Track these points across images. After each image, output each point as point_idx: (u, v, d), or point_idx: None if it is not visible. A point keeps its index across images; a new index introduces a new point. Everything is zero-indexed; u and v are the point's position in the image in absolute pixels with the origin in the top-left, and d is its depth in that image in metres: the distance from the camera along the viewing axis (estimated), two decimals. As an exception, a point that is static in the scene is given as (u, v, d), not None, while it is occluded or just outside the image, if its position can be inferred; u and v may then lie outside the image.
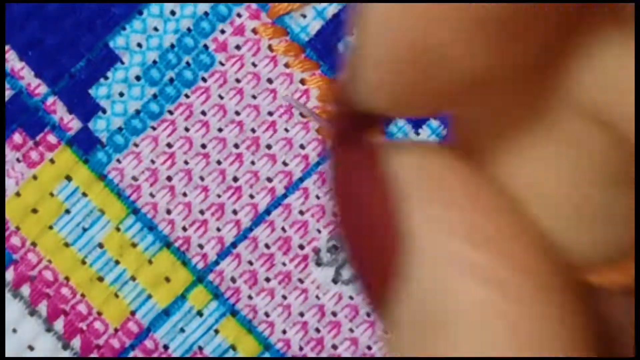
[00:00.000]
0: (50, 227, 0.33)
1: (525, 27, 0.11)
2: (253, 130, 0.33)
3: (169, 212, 0.33)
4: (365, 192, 0.12)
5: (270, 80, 0.33)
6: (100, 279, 0.32)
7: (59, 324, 0.32)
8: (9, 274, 0.32)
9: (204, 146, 0.33)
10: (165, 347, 0.32)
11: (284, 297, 0.33)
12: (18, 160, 0.33)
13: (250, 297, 0.33)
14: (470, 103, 0.12)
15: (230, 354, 0.32)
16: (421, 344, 0.11)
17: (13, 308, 0.32)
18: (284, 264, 0.33)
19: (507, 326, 0.10)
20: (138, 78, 0.33)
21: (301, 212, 0.33)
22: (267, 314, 0.33)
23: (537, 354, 0.10)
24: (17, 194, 0.33)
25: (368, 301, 0.12)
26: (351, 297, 0.32)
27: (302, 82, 0.33)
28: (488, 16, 0.10)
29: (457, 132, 0.13)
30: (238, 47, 0.33)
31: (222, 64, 0.33)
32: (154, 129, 0.33)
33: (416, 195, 0.11)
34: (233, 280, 0.33)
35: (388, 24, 0.11)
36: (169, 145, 0.33)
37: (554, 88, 0.11)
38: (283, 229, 0.33)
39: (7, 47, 0.33)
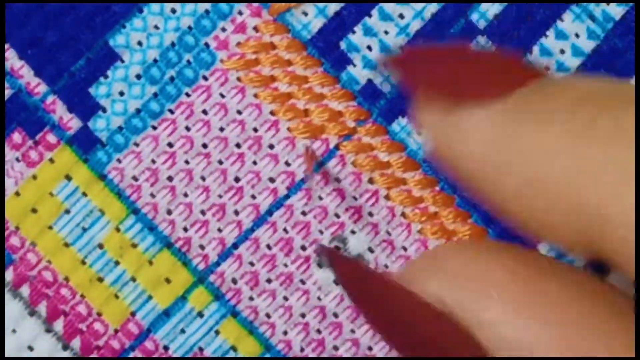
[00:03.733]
0: (50, 227, 0.32)
1: None
2: (255, 130, 0.33)
3: (169, 212, 0.32)
4: (410, 313, 0.12)
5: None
6: (100, 280, 0.32)
7: (59, 325, 0.32)
8: (9, 274, 0.32)
9: (205, 146, 0.33)
10: (166, 348, 0.32)
11: (286, 299, 0.32)
12: (17, 159, 0.32)
13: (251, 299, 0.32)
14: None
15: (231, 355, 0.32)
16: None
17: (12, 308, 0.32)
18: (285, 265, 0.32)
19: None
20: (138, 77, 0.33)
21: (303, 213, 0.32)
22: (268, 315, 0.32)
23: None
24: (17, 194, 0.32)
25: None
26: (353, 299, 0.32)
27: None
28: None
29: None
30: (239, 45, 0.33)
31: (224, 62, 0.33)
32: (154, 128, 0.33)
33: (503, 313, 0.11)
34: (234, 281, 0.32)
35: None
36: (170, 145, 0.33)
37: None
38: (285, 230, 0.32)
39: (6, 46, 0.33)
